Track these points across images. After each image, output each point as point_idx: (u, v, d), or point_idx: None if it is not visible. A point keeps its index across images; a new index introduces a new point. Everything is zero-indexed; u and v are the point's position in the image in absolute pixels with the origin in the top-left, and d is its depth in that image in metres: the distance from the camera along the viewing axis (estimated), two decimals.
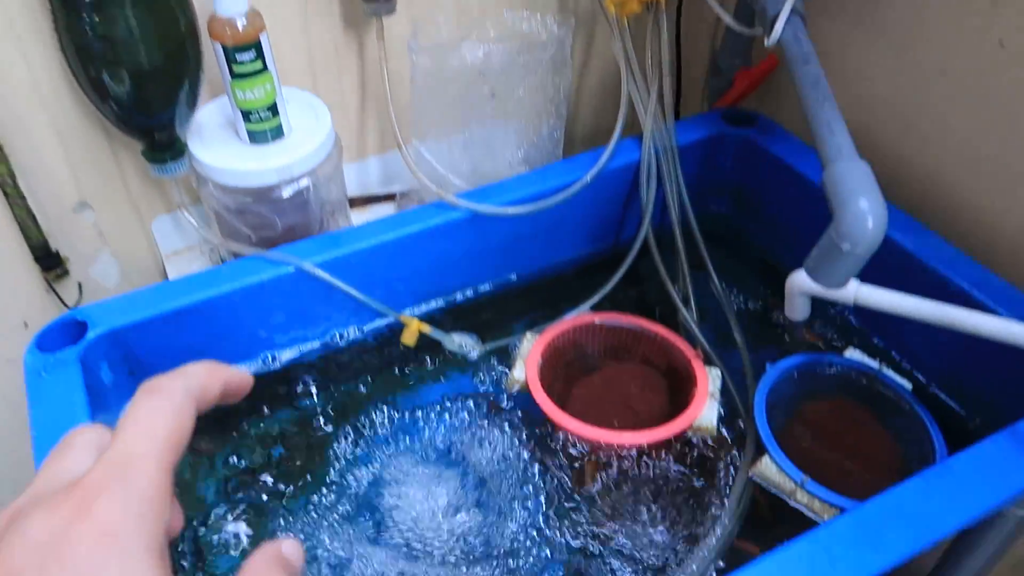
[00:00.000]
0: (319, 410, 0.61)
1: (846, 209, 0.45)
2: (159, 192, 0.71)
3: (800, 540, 0.41)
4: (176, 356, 0.60)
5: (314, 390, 0.62)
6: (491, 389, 0.62)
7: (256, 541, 0.52)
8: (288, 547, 0.24)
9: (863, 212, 0.44)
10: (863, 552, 0.40)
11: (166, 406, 0.23)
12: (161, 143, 0.61)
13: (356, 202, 0.79)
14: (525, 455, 0.57)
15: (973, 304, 0.55)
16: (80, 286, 0.73)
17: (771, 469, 0.53)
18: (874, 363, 0.60)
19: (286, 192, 0.63)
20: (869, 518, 0.42)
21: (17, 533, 0.19)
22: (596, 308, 0.66)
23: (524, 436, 0.58)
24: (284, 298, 0.60)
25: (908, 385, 0.59)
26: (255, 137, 0.62)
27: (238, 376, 0.26)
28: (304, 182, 0.64)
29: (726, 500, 0.53)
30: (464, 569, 0.50)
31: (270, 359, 0.63)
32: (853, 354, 0.62)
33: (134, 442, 0.22)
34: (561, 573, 0.51)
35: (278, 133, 0.63)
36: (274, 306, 0.61)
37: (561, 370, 0.63)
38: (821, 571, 0.39)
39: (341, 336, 0.65)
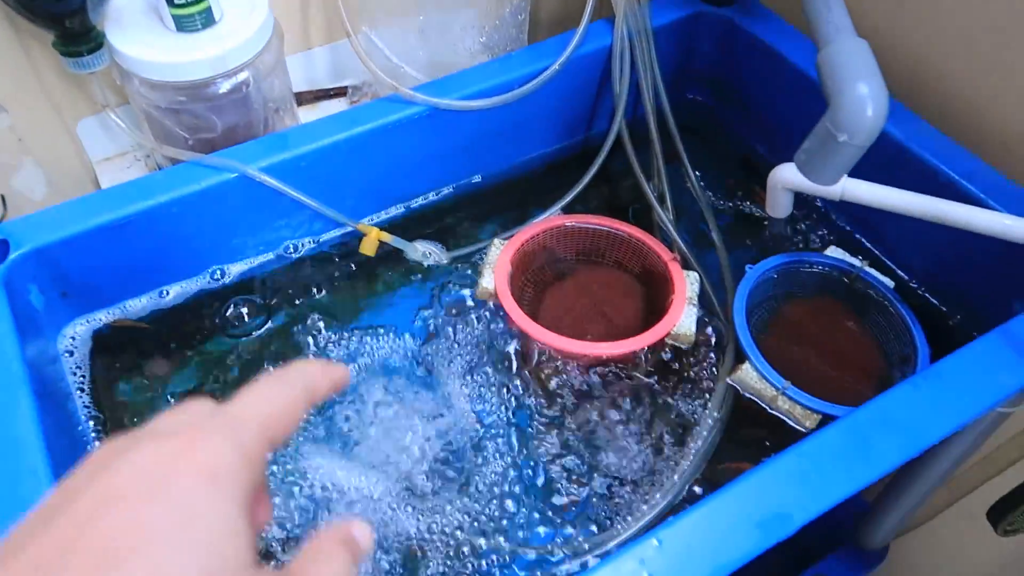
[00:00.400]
0: (275, 327, 0.57)
1: (843, 95, 0.41)
2: (81, 91, 0.64)
3: (787, 453, 0.39)
4: (114, 275, 0.56)
5: (270, 306, 0.58)
6: (459, 299, 0.58)
7: None
8: (358, 529, 0.24)
9: (862, 98, 0.40)
10: (852, 464, 0.39)
11: (285, 391, 0.25)
12: (74, 32, 0.54)
13: (304, 98, 0.72)
14: (496, 367, 0.54)
15: (963, 196, 0.52)
16: (3, 199, 0.67)
17: (751, 376, 0.51)
18: (856, 261, 0.58)
19: (223, 87, 0.57)
20: (858, 428, 0.40)
21: (126, 458, 0.20)
22: (567, 210, 0.62)
23: (495, 348, 0.55)
24: (229, 207, 0.55)
25: (890, 283, 0.57)
26: (182, 24, 0.55)
27: (341, 372, 0.28)
28: (242, 75, 0.57)
29: (706, 410, 0.51)
30: (433, 486, 0.49)
31: (219, 274, 0.58)
32: (835, 252, 0.59)
33: (247, 407, 0.24)
34: (535, 489, 0.49)
35: (208, 19, 0.55)
36: (218, 216, 0.55)
37: (531, 276, 0.60)
38: (810, 485, 0.38)
39: (295, 248, 0.60)
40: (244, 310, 0.57)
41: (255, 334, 0.56)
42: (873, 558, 0.71)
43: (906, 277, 0.59)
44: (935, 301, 0.58)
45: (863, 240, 0.62)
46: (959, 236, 0.50)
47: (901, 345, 0.54)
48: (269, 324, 0.57)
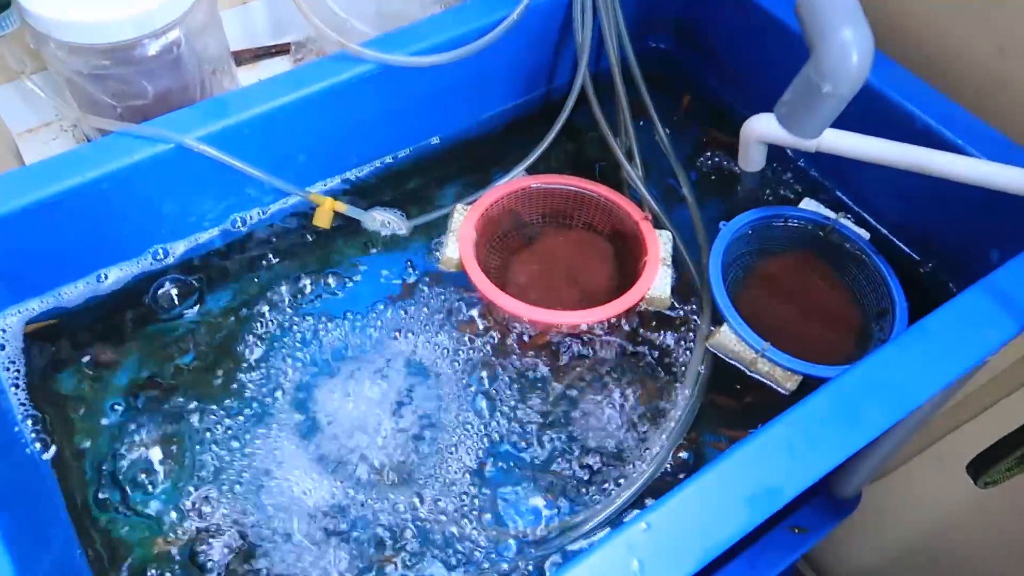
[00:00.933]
0: (227, 307, 0.53)
1: (827, 42, 0.38)
2: None
3: (775, 424, 0.37)
4: (44, 259, 0.51)
5: (219, 285, 0.54)
6: (422, 270, 0.55)
7: (176, 463, 0.46)
8: None
9: (846, 45, 0.38)
10: (841, 430, 0.37)
11: None
12: None
13: (243, 57, 0.67)
14: (464, 342, 0.51)
15: (941, 143, 0.51)
16: None
17: (730, 339, 0.50)
18: (831, 214, 0.56)
19: (151, 49, 0.52)
20: (845, 393, 0.38)
21: None
22: (531, 170, 0.58)
23: (462, 321, 0.52)
24: (166, 181, 0.51)
25: (865, 235, 0.56)
26: None
27: None
28: (172, 35, 0.52)
29: (685, 376, 0.49)
30: (401, 468, 0.46)
31: (161, 254, 0.54)
32: (809, 205, 0.57)
33: None
34: (512, 467, 0.47)
35: None
36: (155, 192, 0.51)
37: (497, 243, 0.57)
38: (800, 456, 0.36)
39: (243, 222, 0.56)
40: (174, 291, 0.53)
41: (199, 315, 0.52)
42: (847, 505, 0.71)
43: (878, 226, 0.58)
44: (907, 249, 0.57)
45: (835, 190, 0.60)
46: (934, 183, 0.48)
47: (878, 298, 0.53)
48: (217, 302, 0.53)
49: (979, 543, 0.72)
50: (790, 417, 0.38)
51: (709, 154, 0.63)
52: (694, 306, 0.53)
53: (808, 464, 0.36)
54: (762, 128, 0.53)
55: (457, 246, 0.53)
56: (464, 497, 0.45)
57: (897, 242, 0.57)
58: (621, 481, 0.46)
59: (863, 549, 0.83)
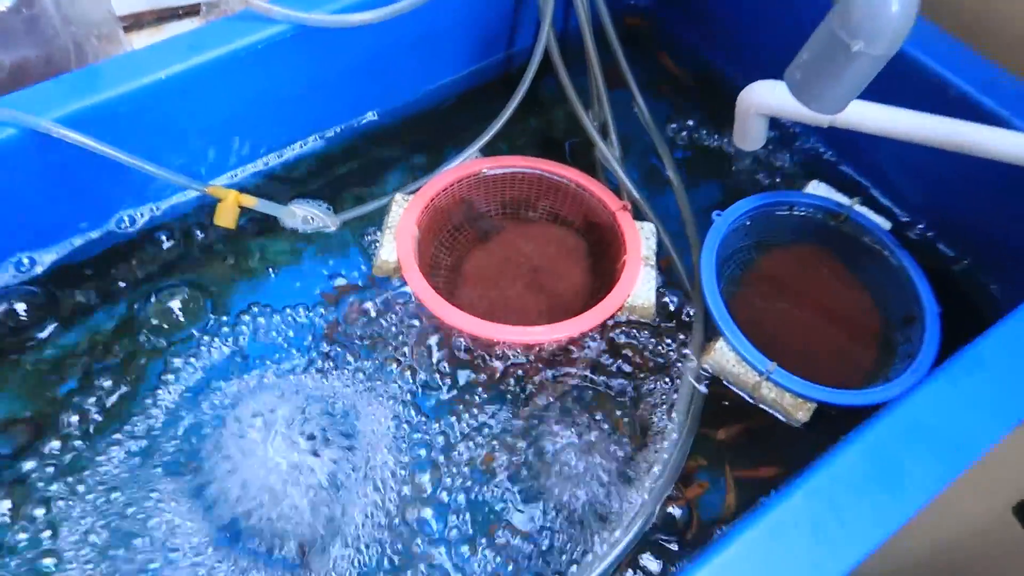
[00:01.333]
0: (114, 326, 0.43)
1: None
2: None
3: (793, 493, 0.28)
4: None
5: (102, 299, 0.44)
6: (354, 279, 0.45)
7: (51, 517, 0.37)
8: None
9: None
10: (878, 498, 0.29)
11: None
12: None
13: (145, 19, 0.57)
14: (406, 367, 0.42)
15: (980, 114, 0.43)
16: None
17: (727, 358, 0.41)
18: (845, 199, 0.47)
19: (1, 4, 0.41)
20: (883, 447, 0.30)
21: None
22: (487, 150, 0.50)
23: (404, 340, 0.43)
24: (20, 175, 0.41)
25: (887, 224, 0.47)
26: None
27: None
28: None
29: (672, 412, 0.40)
30: (329, 524, 0.37)
31: (27, 264, 0.44)
32: (818, 189, 0.49)
33: None
34: (464, 524, 0.38)
35: None
36: (7, 189, 0.41)
37: (446, 240, 0.48)
38: (827, 537, 0.28)
39: (131, 221, 0.46)
40: (21, 306, 0.43)
41: (83, 332, 0.42)
42: None
43: (901, 213, 0.50)
44: (937, 242, 0.49)
45: (849, 170, 0.52)
46: (970, 163, 0.41)
47: (903, 302, 0.45)
48: (104, 324, 0.43)
49: (997, 556, 0.65)
50: (813, 483, 0.29)
51: (699, 128, 0.54)
52: (683, 316, 0.44)
53: (839, 549, 0.28)
54: (764, 98, 0.44)
55: (394, 246, 0.44)
56: (394, 561, 0.36)
57: (925, 233, 0.49)
58: (595, 546, 0.37)
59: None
